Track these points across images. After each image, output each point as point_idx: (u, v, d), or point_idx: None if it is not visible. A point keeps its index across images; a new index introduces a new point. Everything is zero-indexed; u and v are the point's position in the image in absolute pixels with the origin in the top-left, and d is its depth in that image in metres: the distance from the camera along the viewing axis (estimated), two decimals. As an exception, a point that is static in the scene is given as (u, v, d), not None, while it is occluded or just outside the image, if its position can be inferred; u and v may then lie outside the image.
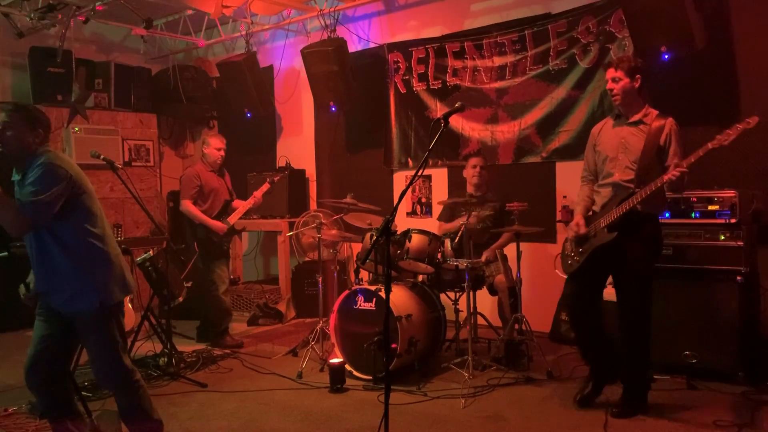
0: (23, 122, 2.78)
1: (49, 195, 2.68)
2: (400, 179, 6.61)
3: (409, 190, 6.35)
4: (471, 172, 5.08)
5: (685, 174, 3.27)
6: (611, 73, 3.57)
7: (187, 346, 5.25)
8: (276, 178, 5.76)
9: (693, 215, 4.15)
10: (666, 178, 3.31)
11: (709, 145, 3.20)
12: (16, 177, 2.86)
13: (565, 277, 3.83)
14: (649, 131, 3.49)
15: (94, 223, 2.88)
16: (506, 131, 5.81)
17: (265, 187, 5.54)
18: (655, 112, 3.57)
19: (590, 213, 3.74)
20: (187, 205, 5.30)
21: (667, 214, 4.21)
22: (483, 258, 4.79)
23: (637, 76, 3.53)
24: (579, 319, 3.81)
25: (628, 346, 3.60)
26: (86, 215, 2.86)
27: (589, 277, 3.69)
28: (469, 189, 5.12)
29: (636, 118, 3.57)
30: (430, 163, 6.20)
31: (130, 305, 5.56)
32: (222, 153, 5.48)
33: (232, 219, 5.42)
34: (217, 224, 5.31)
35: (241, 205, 5.49)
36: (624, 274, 3.59)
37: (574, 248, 3.73)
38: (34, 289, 2.92)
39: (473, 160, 5.13)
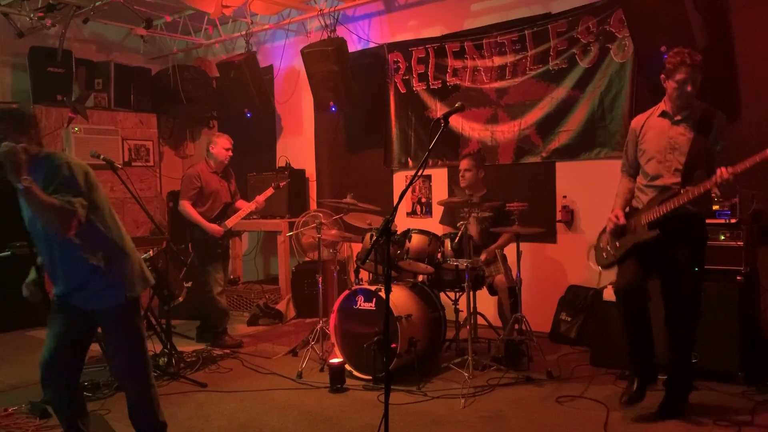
0: (14, 129, 2.72)
1: (82, 193, 2.71)
2: (400, 179, 6.61)
3: (409, 190, 6.35)
4: (460, 177, 5.07)
5: (730, 181, 3.14)
6: (694, 72, 3.35)
7: (187, 346, 5.25)
8: (282, 183, 5.72)
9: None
10: (712, 182, 3.17)
11: (757, 158, 3.05)
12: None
13: (599, 269, 3.73)
14: (696, 128, 3.36)
15: (104, 218, 2.89)
16: (506, 131, 5.81)
17: (269, 191, 5.52)
18: (702, 106, 3.44)
19: (627, 209, 3.63)
20: (185, 206, 5.29)
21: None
22: (482, 257, 4.78)
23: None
24: (634, 307, 3.54)
25: (677, 349, 3.51)
26: (97, 211, 2.86)
27: (637, 268, 3.54)
28: (466, 191, 5.11)
29: (682, 115, 3.44)
30: (430, 163, 6.19)
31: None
32: (230, 153, 5.45)
33: (232, 222, 5.40)
34: (213, 227, 5.29)
35: (243, 207, 5.48)
36: (673, 279, 3.49)
37: (611, 241, 3.63)
38: (56, 291, 2.89)
39: (462, 163, 5.09)
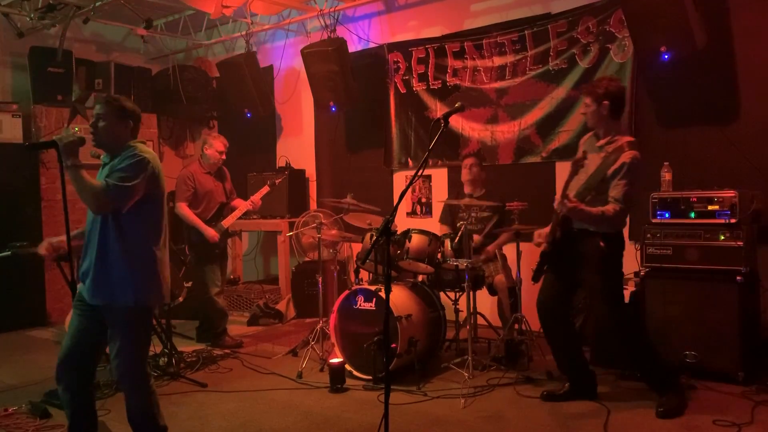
0: (114, 114, 2.92)
1: (133, 182, 2.81)
2: (400, 179, 6.61)
3: (409, 190, 6.35)
4: (464, 171, 5.12)
5: (566, 208, 3.44)
6: (584, 98, 3.68)
7: (187, 346, 5.25)
8: (277, 181, 5.72)
9: (692, 215, 4.14)
10: (556, 202, 3.56)
11: (595, 212, 3.48)
12: (105, 159, 3.00)
13: None
14: (605, 160, 3.51)
15: (157, 225, 2.96)
16: (506, 131, 5.81)
17: (265, 189, 5.51)
18: (624, 141, 3.52)
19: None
20: (182, 208, 5.29)
21: (666, 215, 4.22)
22: (482, 257, 4.79)
23: (605, 102, 3.53)
24: (548, 321, 3.84)
25: (628, 354, 3.77)
26: (153, 215, 2.94)
27: (553, 283, 3.80)
28: (466, 189, 5.14)
29: (601, 143, 3.62)
30: (430, 163, 6.19)
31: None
32: (223, 156, 5.44)
33: (228, 221, 5.39)
34: (209, 231, 5.25)
35: (239, 207, 5.47)
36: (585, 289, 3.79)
37: None
38: (81, 269, 2.94)
39: (467, 160, 5.21)
